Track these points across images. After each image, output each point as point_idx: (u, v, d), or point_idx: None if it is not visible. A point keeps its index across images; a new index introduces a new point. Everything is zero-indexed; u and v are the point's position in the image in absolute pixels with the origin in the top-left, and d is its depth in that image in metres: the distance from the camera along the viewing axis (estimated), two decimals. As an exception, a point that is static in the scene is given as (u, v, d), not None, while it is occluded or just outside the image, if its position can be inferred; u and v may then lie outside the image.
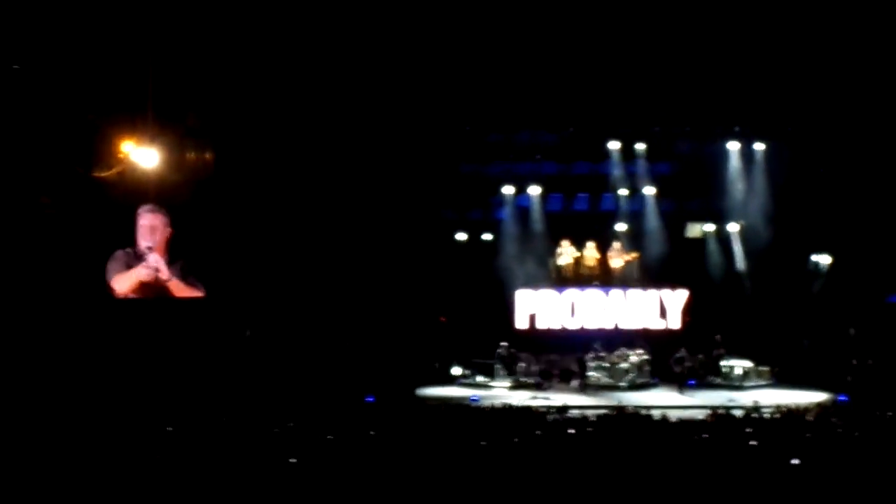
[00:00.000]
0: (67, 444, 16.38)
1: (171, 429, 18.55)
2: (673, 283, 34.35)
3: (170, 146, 27.55)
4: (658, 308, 34.39)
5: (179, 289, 29.19)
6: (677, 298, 34.35)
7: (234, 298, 29.60)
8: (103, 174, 26.83)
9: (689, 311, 34.22)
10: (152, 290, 29.04)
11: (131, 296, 28.76)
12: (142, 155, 26.32)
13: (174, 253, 29.20)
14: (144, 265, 28.83)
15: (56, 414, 20.26)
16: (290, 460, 15.15)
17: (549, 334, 34.72)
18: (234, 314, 29.74)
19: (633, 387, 32.22)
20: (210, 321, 28.88)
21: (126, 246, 28.77)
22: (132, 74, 26.48)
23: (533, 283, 34.78)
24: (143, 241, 28.65)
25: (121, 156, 26.62)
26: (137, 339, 27.66)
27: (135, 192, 27.54)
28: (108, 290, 28.74)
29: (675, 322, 34.27)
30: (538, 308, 34.83)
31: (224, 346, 28.58)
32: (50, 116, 26.38)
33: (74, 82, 26.36)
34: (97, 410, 20.54)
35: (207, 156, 29.23)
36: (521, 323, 34.74)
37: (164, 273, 28.93)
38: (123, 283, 28.71)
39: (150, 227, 28.43)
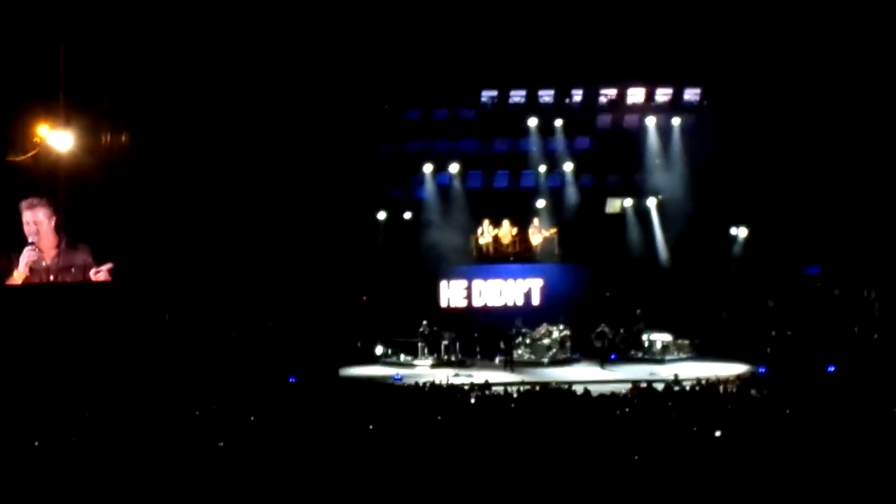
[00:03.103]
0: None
1: (88, 414, 18.39)
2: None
3: (85, 129, 27.16)
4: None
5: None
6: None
7: (151, 282, 29.31)
8: (17, 158, 26.43)
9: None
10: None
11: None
12: (56, 138, 25.94)
13: (77, 236, 28.32)
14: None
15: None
16: (219, 444, 15.06)
17: (472, 312, 34.88)
18: (151, 298, 29.45)
19: (556, 362, 32.39)
20: (127, 306, 28.58)
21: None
22: (45, 56, 26.11)
23: (454, 261, 34.78)
24: (29, 238, 27.57)
25: (35, 139, 26.22)
26: (50, 326, 27.27)
27: (49, 175, 27.12)
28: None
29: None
30: (459, 291, 35.09)
31: (142, 330, 28.30)
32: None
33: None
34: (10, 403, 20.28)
35: (123, 138, 28.89)
36: (444, 302, 34.98)
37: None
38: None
39: (32, 222, 27.50)
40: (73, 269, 26.44)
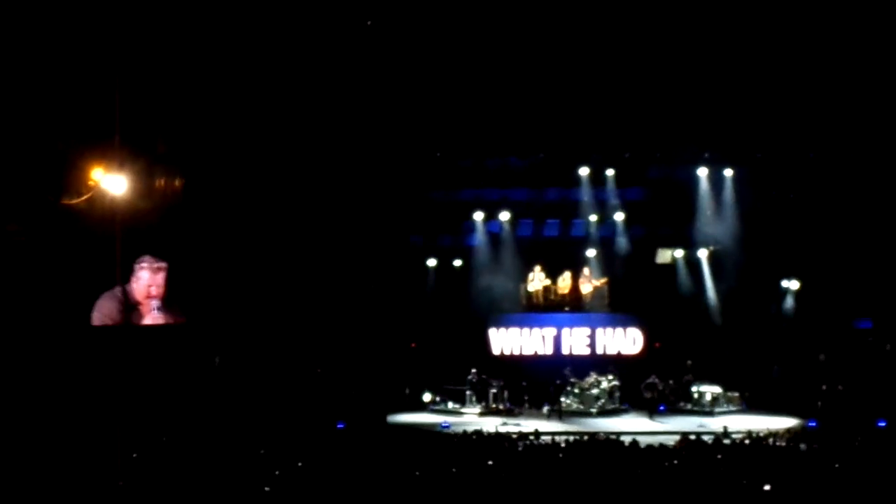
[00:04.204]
0: (34, 469, 16.29)
1: (136, 455, 18.48)
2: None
3: (139, 173, 27.41)
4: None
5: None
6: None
7: (203, 325, 29.47)
8: (73, 201, 26.68)
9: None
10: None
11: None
12: (111, 182, 26.17)
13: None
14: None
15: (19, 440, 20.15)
16: (265, 489, 15.09)
17: (522, 360, 34.76)
18: (203, 341, 29.60)
19: (604, 412, 32.23)
20: (179, 349, 28.75)
21: (95, 274, 28.37)
22: (100, 102, 26.37)
23: (503, 309, 34.80)
24: (152, 300, 28.33)
25: (90, 183, 26.46)
26: (108, 366, 27.46)
27: (104, 219, 27.37)
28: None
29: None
30: (511, 339, 35.01)
31: (194, 373, 28.45)
32: (19, 144, 26.24)
33: (43, 110, 26.25)
34: (61, 440, 20.39)
35: (176, 182, 29.14)
36: (497, 349, 34.91)
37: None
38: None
39: (154, 283, 28.17)
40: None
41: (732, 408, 32.29)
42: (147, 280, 27.86)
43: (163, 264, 27.87)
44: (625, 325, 34.69)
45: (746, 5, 29.17)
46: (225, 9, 27.78)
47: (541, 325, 35.04)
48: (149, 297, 27.79)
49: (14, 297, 26.97)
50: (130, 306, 28.13)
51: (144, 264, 28.04)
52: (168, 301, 28.47)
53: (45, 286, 27.55)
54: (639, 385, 32.83)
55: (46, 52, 26.10)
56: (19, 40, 25.79)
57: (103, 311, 28.08)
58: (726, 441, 24.02)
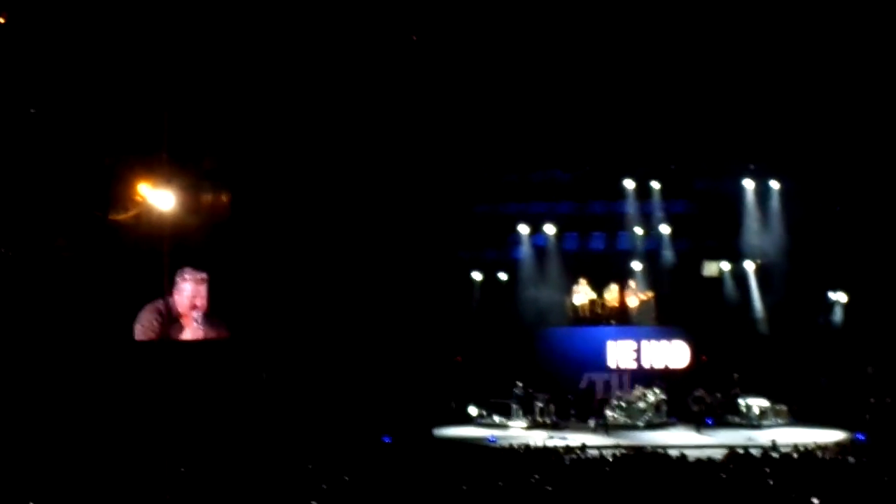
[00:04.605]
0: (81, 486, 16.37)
1: (184, 469, 18.55)
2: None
3: (186, 189, 27.62)
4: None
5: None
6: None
7: (250, 340, 29.58)
8: (120, 217, 26.89)
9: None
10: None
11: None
12: (158, 198, 26.37)
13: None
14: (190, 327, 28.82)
15: (63, 453, 20.27)
16: (312, 503, 15.13)
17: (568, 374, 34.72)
18: (250, 356, 29.71)
19: (651, 426, 32.14)
20: (226, 364, 28.86)
21: (142, 289, 28.58)
22: (148, 118, 26.59)
23: (549, 322, 34.79)
24: (194, 312, 28.58)
25: (137, 198, 26.67)
26: (156, 381, 27.63)
27: (151, 234, 27.56)
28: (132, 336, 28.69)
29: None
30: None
31: (241, 388, 28.55)
32: (66, 159, 26.46)
33: (91, 125, 26.46)
34: (110, 454, 20.50)
35: (223, 198, 29.30)
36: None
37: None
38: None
39: (197, 294, 28.41)
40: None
41: (780, 421, 32.11)
42: (191, 291, 28.06)
43: (204, 275, 28.02)
44: (671, 338, 34.60)
45: (797, 18, 29.07)
46: (270, 26, 27.93)
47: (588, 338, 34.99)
48: (193, 308, 27.97)
49: (61, 313, 27.17)
50: (172, 319, 28.30)
51: (187, 275, 28.22)
52: (212, 314, 28.62)
53: (92, 302, 27.73)
54: (686, 398, 32.69)
55: (94, 68, 26.30)
56: (67, 57, 26.02)
57: (144, 324, 28.28)
58: (774, 454, 23.89)
